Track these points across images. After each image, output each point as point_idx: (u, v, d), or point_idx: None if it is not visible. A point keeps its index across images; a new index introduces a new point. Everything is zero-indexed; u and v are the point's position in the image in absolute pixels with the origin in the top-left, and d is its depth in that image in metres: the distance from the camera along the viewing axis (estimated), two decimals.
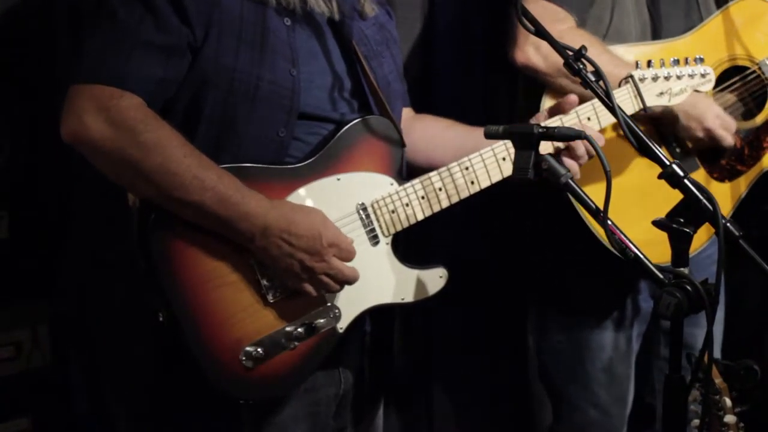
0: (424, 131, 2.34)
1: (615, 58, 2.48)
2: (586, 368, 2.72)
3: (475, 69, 3.10)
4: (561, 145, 2.15)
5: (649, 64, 2.27)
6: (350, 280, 1.98)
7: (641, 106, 2.27)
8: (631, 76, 2.26)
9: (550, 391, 2.90)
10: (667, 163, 1.84)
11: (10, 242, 2.54)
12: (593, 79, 1.91)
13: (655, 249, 1.91)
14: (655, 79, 2.28)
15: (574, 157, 2.15)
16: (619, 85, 2.26)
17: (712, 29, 2.65)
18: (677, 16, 2.65)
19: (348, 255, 1.97)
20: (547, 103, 2.47)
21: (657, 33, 2.64)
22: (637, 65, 2.28)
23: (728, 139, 2.56)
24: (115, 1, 1.91)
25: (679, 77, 2.31)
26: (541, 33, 1.97)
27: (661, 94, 2.30)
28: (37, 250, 2.57)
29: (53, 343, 2.62)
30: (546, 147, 2.13)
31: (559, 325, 2.76)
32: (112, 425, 2.64)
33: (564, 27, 2.47)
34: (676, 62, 2.30)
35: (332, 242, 1.94)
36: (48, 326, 2.61)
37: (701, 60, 2.35)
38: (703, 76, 2.35)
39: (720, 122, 2.54)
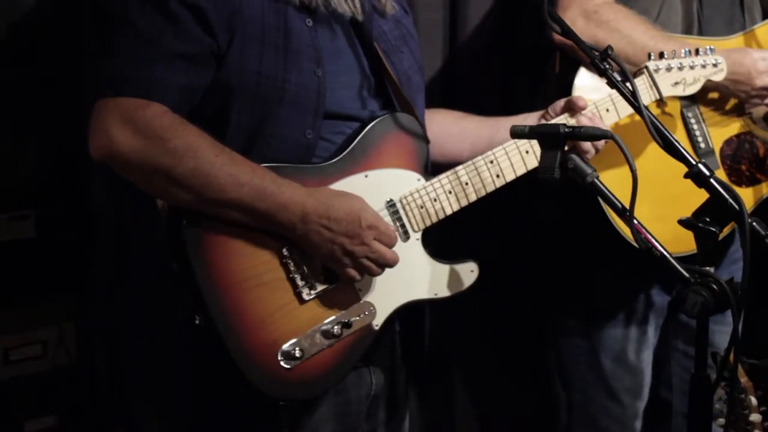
0: (438, 124, 2.33)
1: (652, 29, 2.50)
2: (600, 360, 2.73)
3: (498, 68, 3.10)
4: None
5: (661, 55, 2.31)
6: (391, 263, 1.98)
7: (657, 96, 2.30)
8: (646, 67, 2.29)
9: (564, 382, 2.91)
10: (693, 162, 1.84)
11: (37, 241, 2.56)
12: (619, 78, 1.92)
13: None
14: (669, 69, 2.32)
15: (580, 152, 2.16)
16: (635, 76, 2.28)
17: (758, 36, 2.64)
18: (720, 22, 2.65)
19: (389, 240, 1.97)
20: (581, 77, 2.49)
21: (701, 35, 2.64)
22: (650, 56, 2.30)
23: None
24: (135, 14, 1.90)
25: (692, 67, 2.35)
26: (567, 33, 1.98)
27: (676, 83, 2.34)
28: (63, 249, 2.59)
29: (79, 341, 2.64)
30: None
31: (575, 319, 2.77)
32: (138, 424, 2.65)
33: (599, 0, 2.49)
34: (688, 53, 2.35)
35: (371, 224, 1.94)
36: (74, 325, 2.63)
37: (712, 50, 2.38)
38: (714, 65, 2.39)
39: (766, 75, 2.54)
